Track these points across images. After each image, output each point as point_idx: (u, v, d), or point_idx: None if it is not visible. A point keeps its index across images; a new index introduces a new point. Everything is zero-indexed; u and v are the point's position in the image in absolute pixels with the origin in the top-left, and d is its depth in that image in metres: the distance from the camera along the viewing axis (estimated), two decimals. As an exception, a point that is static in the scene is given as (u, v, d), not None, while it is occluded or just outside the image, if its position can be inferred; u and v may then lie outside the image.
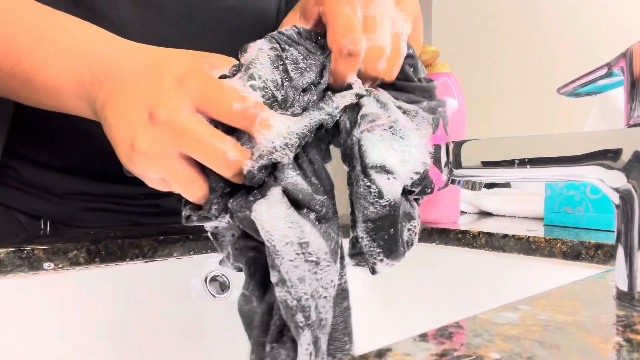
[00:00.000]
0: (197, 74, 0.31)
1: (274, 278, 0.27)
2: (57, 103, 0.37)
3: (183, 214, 0.32)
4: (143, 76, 0.32)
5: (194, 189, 0.31)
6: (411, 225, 0.34)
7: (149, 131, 0.30)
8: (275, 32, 0.34)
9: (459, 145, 0.33)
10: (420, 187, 0.34)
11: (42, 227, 0.56)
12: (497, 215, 0.80)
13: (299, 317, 0.27)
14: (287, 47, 0.32)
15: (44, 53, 0.35)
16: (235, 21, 0.56)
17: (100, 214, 0.59)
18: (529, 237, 0.53)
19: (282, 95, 0.31)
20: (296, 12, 0.38)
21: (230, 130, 0.30)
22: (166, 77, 0.31)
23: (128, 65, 0.33)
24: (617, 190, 0.27)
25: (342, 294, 0.33)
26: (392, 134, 0.33)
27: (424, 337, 0.21)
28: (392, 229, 0.32)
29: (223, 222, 0.31)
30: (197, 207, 0.32)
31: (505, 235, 0.55)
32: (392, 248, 0.32)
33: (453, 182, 0.34)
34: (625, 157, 0.26)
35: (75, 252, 0.41)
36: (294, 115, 0.31)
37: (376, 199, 0.32)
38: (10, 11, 0.37)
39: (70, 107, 0.37)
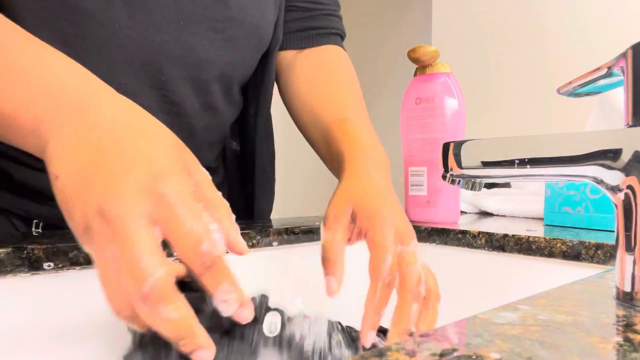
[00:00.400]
0: (173, 180, 0.27)
1: None
2: (4, 131, 0.33)
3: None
4: (111, 145, 0.28)
5: (113, 304, 0.28)
6: None
7: (97, 222, 0.26)
8: None
9: (459, 145, 0.33)
10: None
11: (35, 228, 0.56)
12: (497, 215, 0.80)
13: None
14: None
15: (11, 77, 0.32)
16: (232, 32, 0.55)
17: None
18: (529, 237, 0.53)
19: None
20: (348, 206, 0.42)
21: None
22: (137, 165, 0.27)
23: (99, 119, 0.29)
24: (617, 190, 0.27)
25: None
26: None
27: (424, 337, 0.21)
28: None
29: None
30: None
31: (505, 235, 0.55)
32: None
33: (453, 182, 0.34)
34: (625, 157, 0.26)
35: (75, 252, 0.41)
36: None
37: None
38: None
39: (18, 139, 0.33)
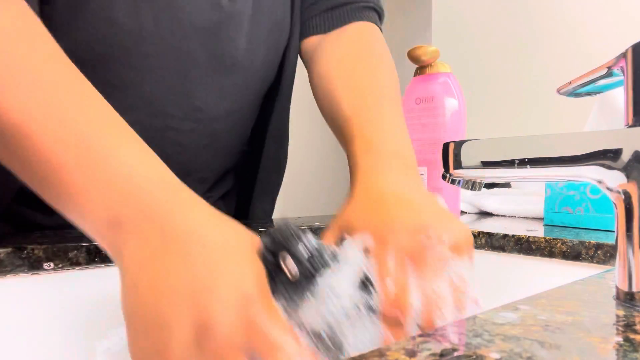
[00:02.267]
0: (259, 307, 0.25)
1: None
2: (70, 209, 0.30)
3: None
4: (195, 259, 0.25)
5: None
6: None
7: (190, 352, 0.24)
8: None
9: (459, 145, 0.33)
10: None
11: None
12: (497, 215, 0.80)
13: None
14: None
15: (70, 151, 0.28)
16: (253, 29, 0.54)
17: None
18: (529, 237, 0.53)
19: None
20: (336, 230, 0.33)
21: None
22: (226, 285, 0.25)
23: (185, 231, 0.27)
24: (617, 190, 0.27)
25: None
26: None
27: (424, 337, 0.21)
28: None
29: None
30: None
31: (505, 235, 0.55)
32: None
33: (453, 182, 0.34)
34: (625, 157, 0.26)
35: (75, 252, 0.41)
36: None
37: None
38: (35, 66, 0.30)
39: (72, 214, 0.30)
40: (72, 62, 0.32)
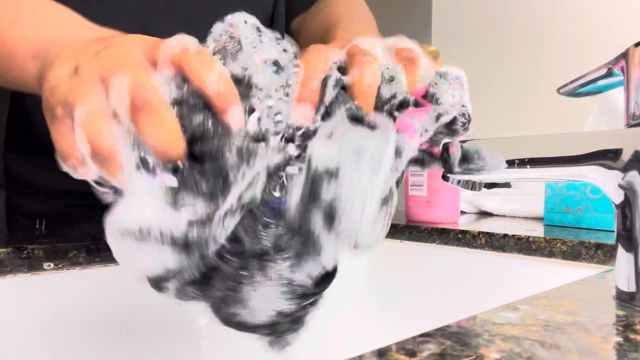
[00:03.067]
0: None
1: None
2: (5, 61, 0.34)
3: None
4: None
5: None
6: None
7: (90, 59, 0.27)
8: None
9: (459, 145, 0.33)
10: None
11: (38, 226, 0.56)
12: (497, 215, 0.80)
13: None
14: None
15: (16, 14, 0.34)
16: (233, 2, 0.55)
17: (92, 210, 0.58)
18: (529, 237, 0.53)
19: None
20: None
21: None
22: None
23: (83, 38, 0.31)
24: (617, 190, 0.27)
25: None
26: None
27: (424, 337, 0.21)
28: None
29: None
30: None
31: (505, 235, 0.55)
32: None
33: (453, 182, 0.34)
34: (625, 157, 0.26)
35: (75, 252, 0.41)
36: None
37: None
38: None
39: (15, 70, 0.34)
40: None
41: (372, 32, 0.50)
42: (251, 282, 0.26)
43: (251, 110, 0.26)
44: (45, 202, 0.56)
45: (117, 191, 0.26)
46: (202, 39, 0.30)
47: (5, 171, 0.55)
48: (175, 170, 0.24)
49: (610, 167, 0.27)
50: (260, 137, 0.26)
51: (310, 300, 0.28)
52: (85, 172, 0.25)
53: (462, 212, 0.84)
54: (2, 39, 0.34)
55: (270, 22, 0.61)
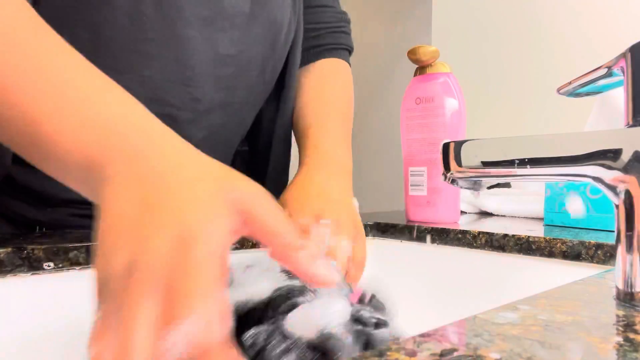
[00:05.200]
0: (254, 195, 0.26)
1: None
2: (51, 160, 0.29)
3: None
4: (161, 195, 0.25)
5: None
6: None
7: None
8: None
9: (459, 145, 0.33)
10: None
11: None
12: (497, 215, 0.80)
13: None
14: None
15: (48, 101, 0.28)
16: (248, 27, 0.56)
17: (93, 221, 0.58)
18: (529, 237, 0.53)
19: None
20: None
21: None
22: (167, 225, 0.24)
23: (161, 168, 0.26)
24: (617, 190, 0.27)
25: None
26: None
27: (424, 337, 0.21)
28: None
29: None
30: None
31: (505, 235, 0.55)
32: None
33: (453, 182, 0.34)
34: (625, 157, 0.26)
35: (75, 252, 0.41)
36: None
37: None
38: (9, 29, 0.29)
39: (56, 168, 0.30)
40: (77, 48, 0.32)
41: (343, 140, 0.58)
42: None
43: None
44: (46, 211, 0.56)
45: None
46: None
47: (8, 180, 0.55)
48: None
49: (610, 167, 0.27)
50: None
51: None
52: None
53: (462, 212, 0.84)
54: (42, 129, 0.28)
55: (291, 45, 0.64)
